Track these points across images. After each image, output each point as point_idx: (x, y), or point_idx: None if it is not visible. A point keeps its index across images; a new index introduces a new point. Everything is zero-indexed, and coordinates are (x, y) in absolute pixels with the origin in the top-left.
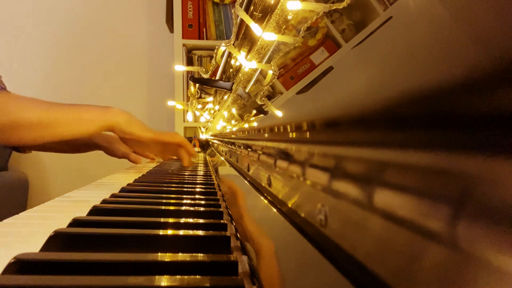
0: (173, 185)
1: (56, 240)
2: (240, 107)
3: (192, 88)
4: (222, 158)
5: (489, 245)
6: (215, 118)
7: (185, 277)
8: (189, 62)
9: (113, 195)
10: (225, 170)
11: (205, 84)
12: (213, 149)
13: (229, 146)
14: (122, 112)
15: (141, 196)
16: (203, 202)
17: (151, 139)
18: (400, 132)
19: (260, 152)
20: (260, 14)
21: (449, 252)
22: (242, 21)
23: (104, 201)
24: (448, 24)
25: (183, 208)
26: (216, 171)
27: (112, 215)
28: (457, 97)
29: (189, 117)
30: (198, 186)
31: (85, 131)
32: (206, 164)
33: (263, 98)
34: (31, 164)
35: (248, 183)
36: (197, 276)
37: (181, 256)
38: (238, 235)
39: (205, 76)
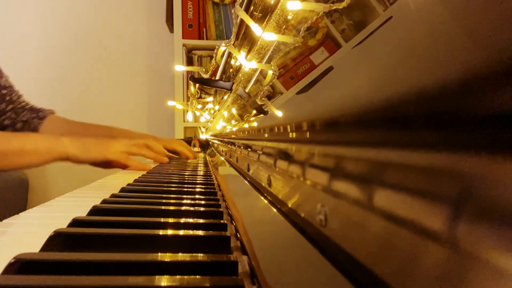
0: (173, 185)
1: (56, 240)
2: (240, 107)
3: (192, 88)
4: (222, 158)
5: (490, 245)
6: (215, 118)
7: (185, 277)
8: (189, 62)
9: (113, 195)
10: (225, 170)
11: (205, 84)
12: (213, 149)
13: (229, 146)
14: (72, 140)
15: (141, 196)
16: (203, 202)
17: (117, 158)
18: (400, 132)
19: (260, 152)
20: (260, 14)
21: (449, 252)
22: (242, 21)
23: (104, 201)
24: (448, 24)
25: (183, 208)
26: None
27: (112, 215)
28: (457, 97)
29: (189, 117)
30: (198, 186)
31: (32, 162)
32: (206, 164)
33: (263, 98)
34: None
35: (248, 183)
36: (197, 276)
37: (181, 256)
38: (238, 235)
39: (205, 76)
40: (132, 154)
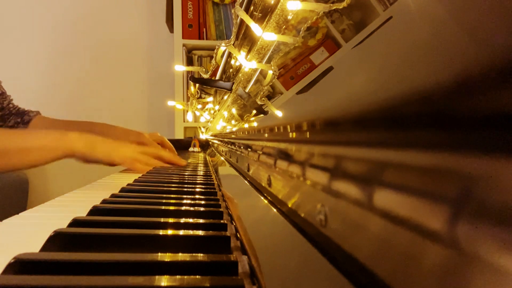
0: (173, 185)
1: (56, 240)
2: (240, 107)
3: (192, 88)
4: (222, 158)
5: (489, 245)
6: (215, 118)
7: (185, 277)
8: (189, 62)
9: (113, 195)
10: (225, 170)
11: (205, 84)
12: (213, 149)
13: (229, 146)
14: (80, 137)
15: (141, 196)
16: (203, 202)
17: (123, 162)
18: (400, 132)
19: (260, 152)
20: (260, 14)
21: (449, 252)
22: (242, 21)
23: (104, 201)
24: (448, 24)
25: (183, 208)
26: (216, 171)
27: (112, 215)
28: (457, 97)
29: (189, 117)
30: (198, 186)
31: (36, 161)
32: (206, 164)
33: (263, 98)
34: None
35: (248, 183)
36: (197, 276)
37: (181, 256)
38: (238, 235)
39: (205, 76)
40: (139, 162)
